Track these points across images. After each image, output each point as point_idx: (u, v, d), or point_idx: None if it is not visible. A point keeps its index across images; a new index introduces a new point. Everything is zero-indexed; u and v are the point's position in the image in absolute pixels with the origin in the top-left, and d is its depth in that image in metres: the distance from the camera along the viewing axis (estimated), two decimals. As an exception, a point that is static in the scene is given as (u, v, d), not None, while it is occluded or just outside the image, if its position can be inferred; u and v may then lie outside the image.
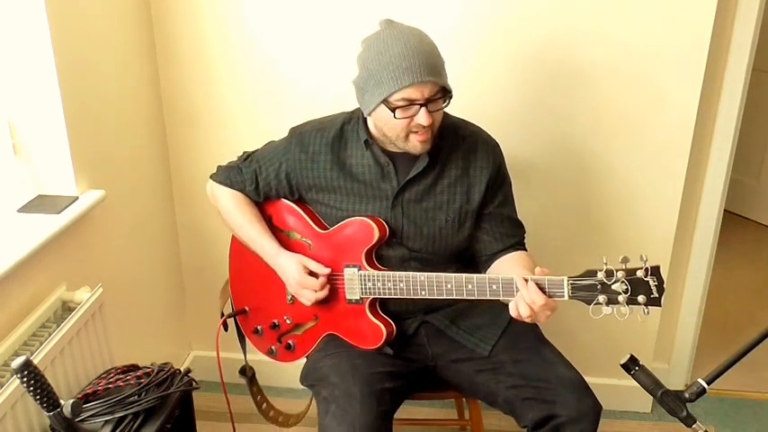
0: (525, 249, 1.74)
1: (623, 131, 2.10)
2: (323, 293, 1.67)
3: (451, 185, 1.68)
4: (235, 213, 1.78)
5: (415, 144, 1.58)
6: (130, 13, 2.04)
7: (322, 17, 2.07)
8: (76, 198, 1.77)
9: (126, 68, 2.04)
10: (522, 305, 1.46)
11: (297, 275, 1.67)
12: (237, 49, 2.14)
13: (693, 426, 1.32)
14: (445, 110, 1.61)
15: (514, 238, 1.73)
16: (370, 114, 1.60)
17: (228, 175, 1.79)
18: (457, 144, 1.69)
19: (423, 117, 1.53)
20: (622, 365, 1.34)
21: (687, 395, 1.30)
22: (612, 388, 2.27)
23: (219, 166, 1.83)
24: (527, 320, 1.48)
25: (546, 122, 2.12)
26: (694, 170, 2.21)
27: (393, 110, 1.53)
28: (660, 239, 2.20)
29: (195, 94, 2.21)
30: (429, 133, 1.57)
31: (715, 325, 2.78)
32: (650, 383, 1.33)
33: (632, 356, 1.34)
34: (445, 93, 1.56)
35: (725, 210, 2.37)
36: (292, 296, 1.75)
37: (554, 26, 2.02)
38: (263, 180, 1.75)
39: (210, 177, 1.83)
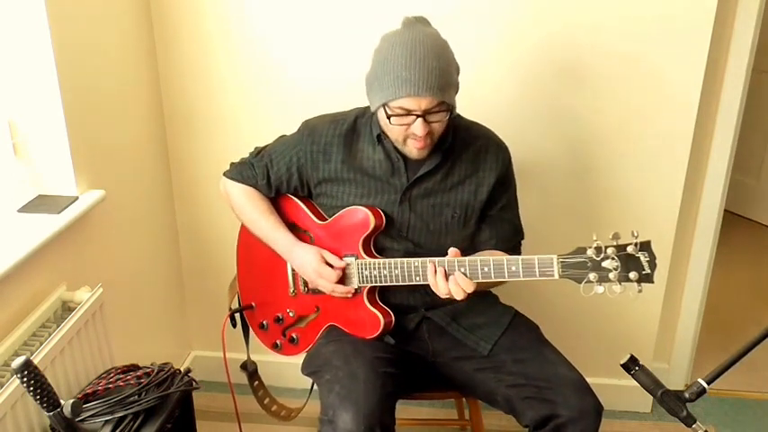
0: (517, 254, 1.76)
1: (623, 131, 2.10)
2: (341, 288, 1.68)
3: (460, 183, 1.69)
4: (247, 208, 1.79)
5: (412, 149, 1.61)
6: (130, 13, 2.04)
7: (324, 16, 2.07)
8: (76, 198, 1.77)
9: (126, 68, 2.04)
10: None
11: (315, 264, 1.68)
12: (238, 48, 2.14)
13: (693, 426, 1.32)
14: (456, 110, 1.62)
15: (510, 242, 1.75)
16: (374, 113, 1.63)
17: (240, 171, 1.80)
18: (468, 144, 1.71)
19: (418, 127, 1.54)
20: (622, 365, 1.34)
21: (687, 395, 1.30)
22: (612, 388, 2.27)
23: (232, 163, 1.84)
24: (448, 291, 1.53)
25: (545, 122, 2.12)
26: (694, 170, 2.21)
27: (389, 117, 1.55)
28: (660, 239, 2.19)
29: (195, 93, 2.21)
30: (426, 141, 1.58)
31: (715, 325, 2.78)
32: (650, 383, 1.33)
33: (632, 356, 1.34)
34: (448, 105, 1.56)
35: (725, 210, 2.37)
36: (294, 289, 1.78)
37: (554, 26, 2.02)
38: (275, 174, 1.76)
39: (223, 174, 1.84)
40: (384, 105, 1.55)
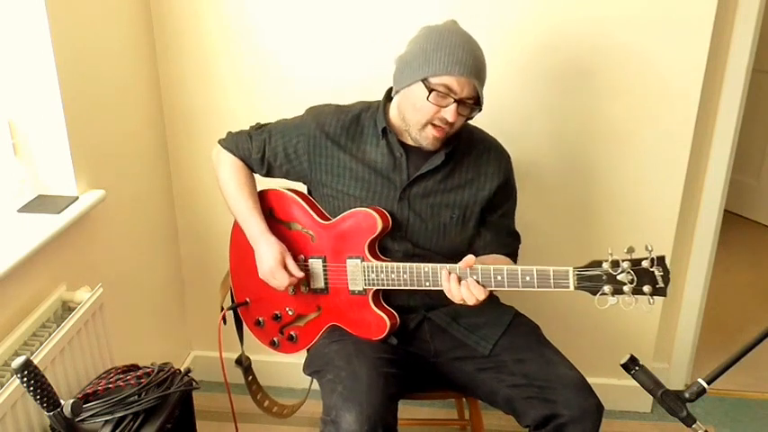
0: (515, 259, 1.79)
1: (623, 132, 2.10)
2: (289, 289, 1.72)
3: (460, 186, 1.70)
4: (232, 183, 1.77)
5: (428, 136, 1.60)
6: (130, 13, 2.04)
7: (325, 16, 2.07)
8: (76, 198, 1.77)
9: (126, 68, 2.04)
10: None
11: (273, 265, 1.68)
12: (238, 48, 2.14)
13: (693, 426, 1.32)
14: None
15: (509, 247, 1.77)
16: (401, 90, 1.62)
17: (236, 142, 1.79)
18: (471, 147, 1.71)
19: (450, 112, 1.56)
20: (622, 365, 1.34)
21: (687, 395, 1.31)
22: (612, 388, 2.27)
23: (229, 132, 1.82)
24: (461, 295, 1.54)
25: (544, 122, 2.12)
26: (694, 170, 2.21)
27: (430, 91, 1.55)
28: (660, 239, 2.20)
29: (195, 93, 2.21)
30: (446, 132, 1.59)
31: (715, 325, 2.78)
32: (650, 383, 1.33)
33: (632, 356, 1.34)
34: (477, 104, 1.59)
35: (725, 210, 2.37)
36: (294, 287, 1.76)
37: (553, 26, 2.02)
38: (271, 150, 1.75)
39: (218, 141, 1.83)
40: (426, 80, 1.55)
